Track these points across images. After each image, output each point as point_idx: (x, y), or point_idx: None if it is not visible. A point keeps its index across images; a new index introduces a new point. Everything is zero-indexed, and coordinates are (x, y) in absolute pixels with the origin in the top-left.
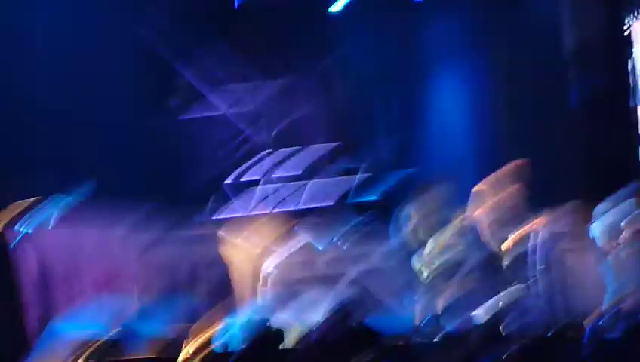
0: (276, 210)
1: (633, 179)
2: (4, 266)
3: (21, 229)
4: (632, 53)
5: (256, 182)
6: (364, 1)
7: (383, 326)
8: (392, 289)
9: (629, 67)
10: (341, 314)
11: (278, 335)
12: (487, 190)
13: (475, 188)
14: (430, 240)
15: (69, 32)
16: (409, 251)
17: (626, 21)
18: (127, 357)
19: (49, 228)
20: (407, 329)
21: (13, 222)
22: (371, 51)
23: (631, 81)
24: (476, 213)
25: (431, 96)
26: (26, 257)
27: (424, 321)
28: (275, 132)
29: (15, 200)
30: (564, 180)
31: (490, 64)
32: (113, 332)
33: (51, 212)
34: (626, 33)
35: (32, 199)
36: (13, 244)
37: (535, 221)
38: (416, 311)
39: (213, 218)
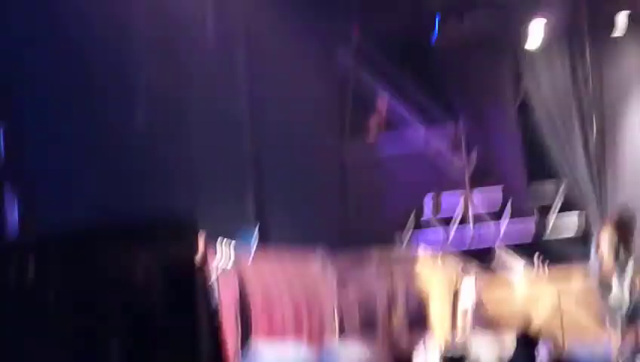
0: (474, 247)
1: None
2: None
3: (220, 264)
4: None
5: (451, 219)
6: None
7: (584, 351)
8: (591, 323)
9: None
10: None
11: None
12: None
13: None
14: (630, 264)
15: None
16: (607, 284)
17: None
18: None
19: (247, 261)
20: (608, 354)
21: (211, 257)
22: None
23: None
24: None
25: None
26: (226, 290)
27: (623, 357)
28: (472, 168)
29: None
30: None
31: None
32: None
33: (248, 245)
34: None
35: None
36: (213, 280)
37: None
38: (615, 344)
39: (411, 252)
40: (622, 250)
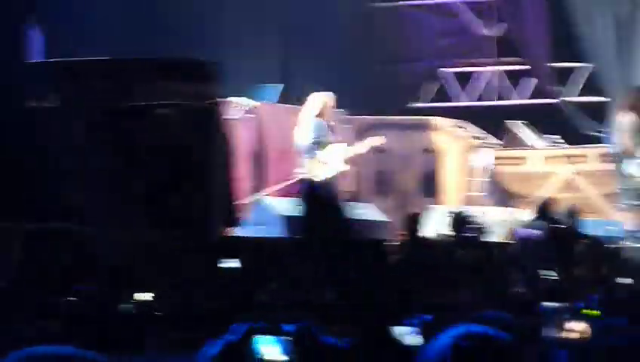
0: (496, 103)
1: None
2: (222, 136)
3: (245, 102)
4: None
5: (479, 73)
6: None
7: (595, 228)
8: (608, 192)
9: None
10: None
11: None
12: None
13: None
14: None
15: None
16: (625, 155)
17: None
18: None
19: (274, 102)
20: (620, 234)
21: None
22: None
23: None
24: None
25: None
26: (246, 129)
27: (637, 228)
28: (502, 25)
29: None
30: None
31: None
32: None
33: (274, 90)
34: None
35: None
36: (235, 115)
37: None
38: (630, 216)
39: (430, 105)
40: (638, 136)
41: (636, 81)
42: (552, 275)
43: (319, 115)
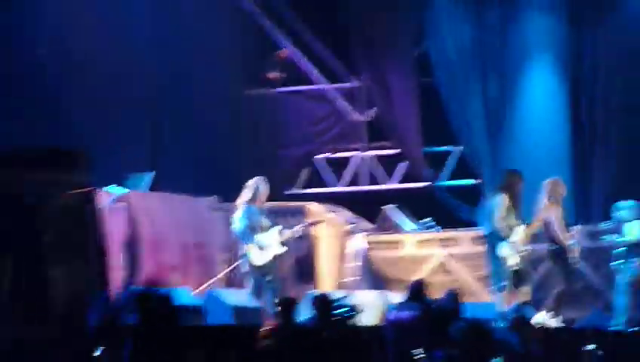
0: (368, 188)
1: None
2: (95, 224)
3: (115, 191)
4: None
5: (348, 159)
6: None
7: (468, 310)
8: (480, 274)
9: None
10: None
11: (359, 312)
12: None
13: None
14: (519, 228)
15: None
16: (499, 237)
17: None
18: (210, 324)
19: (144, 191)
20: (493, 315)
21: (106, 184)
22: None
23: None
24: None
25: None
26: (118, 217)
27: (510, 308)
28: (373, 110)
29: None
30: None
31: None
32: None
33: (145, 179)
34: None
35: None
36: (106, 204)
37: None
38: (503, 297)
39: (304, 191)
40: (512, 215)
41: (505, 164)
42: (422, 356)
43: (252, 201)
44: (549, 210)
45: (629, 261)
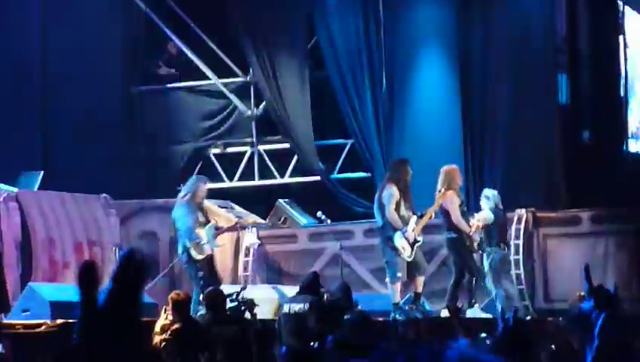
0: (261, 182)
1: None
2: None
3: (6, 188)
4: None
5: (242, 153)
6: None
7: (364, 302)
8: (374, 266)
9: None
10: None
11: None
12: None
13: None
14: (412, 219)
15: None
16: (392, 229)
17: None
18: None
19: (34, 189)
20: (388, 306)
21: None
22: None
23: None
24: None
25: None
26: (10, 216)
27: (404, 299)
28: (263, 104)
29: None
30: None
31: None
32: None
33: (35, 178)
34: None
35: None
36: None
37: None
38: (397, 288)
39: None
40: (403, 206)
41: (397, 156)
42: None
43: (192, 199)
44: (447, 198)
45: (485, 247)
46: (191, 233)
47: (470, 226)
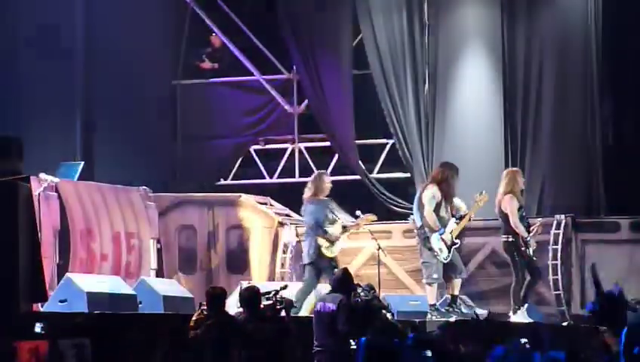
0: (301, 179)
1: None
2: (29, 211)
3: (47, 178)
4: None
5: (283, 150)
6: None
7: (399, 303)
8: (411, 267)
9: None
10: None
11: (292, 307)
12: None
13: None
14: (451, 221)
15: None
16: (430, 229)
17: None
18: (143, 312)
19: (74, 180)
20: (424, 308)
21: (39, 171)
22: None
23: None
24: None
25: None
26: (49, 206)
27: (441, 301)
28: (305, 101)
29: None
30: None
31: None
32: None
33: (76, 168)
34: None
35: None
36: (38, 191)
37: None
38: (434, 290)
39: (236, 182)
40: (444, 208)
41: (436, 157)
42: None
43: (320, 194)
44: (506, 201)
45: None
46: (322, 229)
47: (530, 231)
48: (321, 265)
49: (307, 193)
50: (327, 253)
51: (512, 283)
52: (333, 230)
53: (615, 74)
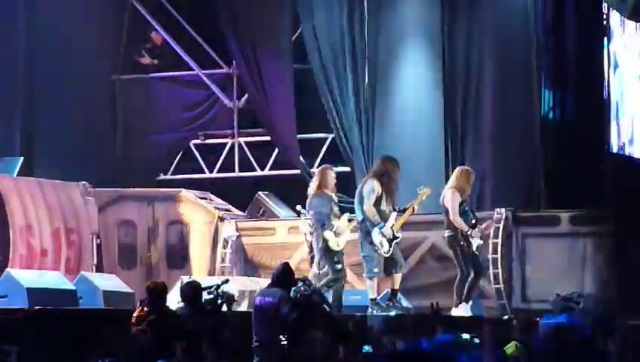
0: (241, 174)
1: None
2: None
3: None
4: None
5: (223, 145)
6: None
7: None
8: (353, 261)
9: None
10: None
11: (234, 301)
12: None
13: None
14: (392, 215)
15: None
16: (371, 223)
17: None
18: (82, 307)
19: (13, 175)
20: (364, 303)
21: None
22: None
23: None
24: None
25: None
26: None
27: (381, 296)
28: (245, 96)
29: None
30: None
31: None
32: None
33: (14, 163)
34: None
35: None
36: None
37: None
38: (374, 284)
39: (175, 177)
40: (385, 202)
41: (376, 151)
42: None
43: (325, 188)
44: (448, 196)
45: None
46: (328, 223)
47: (477, 226)
48: (329, 257)
49: (312, 187)
50: (334, 247)
51: (454, 276)
52: (339, 223)
53: (555, 68)
